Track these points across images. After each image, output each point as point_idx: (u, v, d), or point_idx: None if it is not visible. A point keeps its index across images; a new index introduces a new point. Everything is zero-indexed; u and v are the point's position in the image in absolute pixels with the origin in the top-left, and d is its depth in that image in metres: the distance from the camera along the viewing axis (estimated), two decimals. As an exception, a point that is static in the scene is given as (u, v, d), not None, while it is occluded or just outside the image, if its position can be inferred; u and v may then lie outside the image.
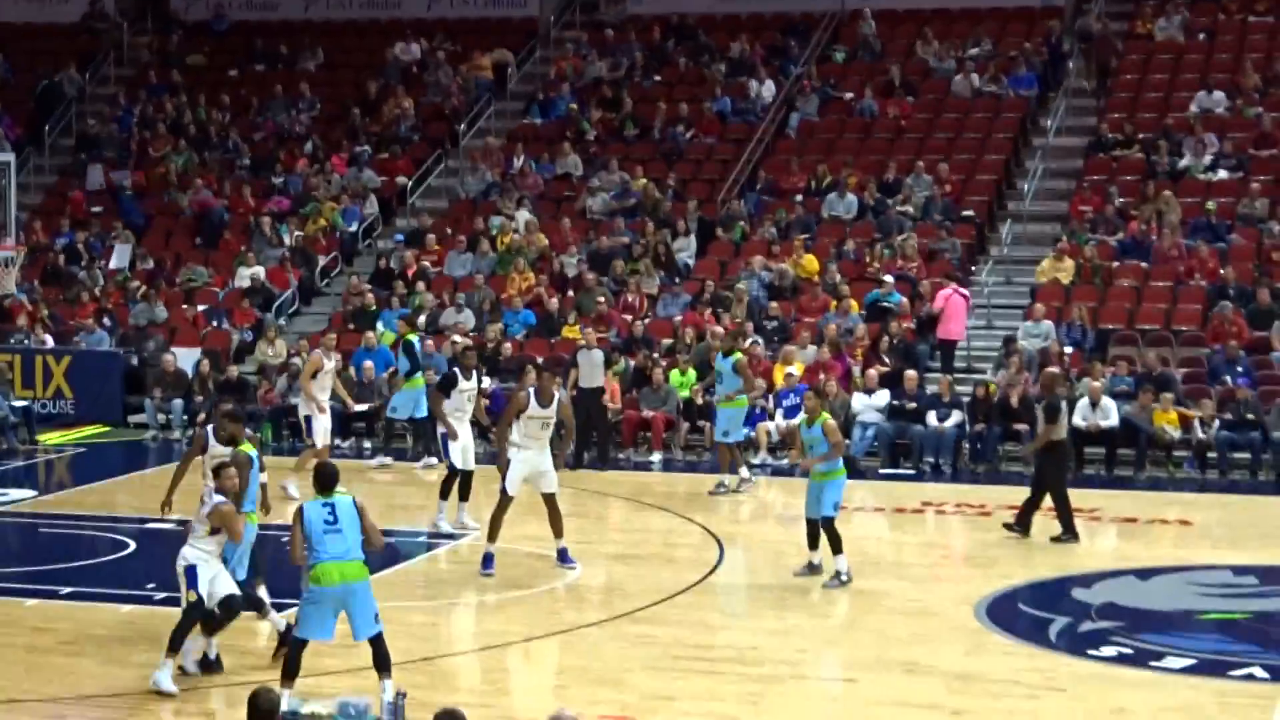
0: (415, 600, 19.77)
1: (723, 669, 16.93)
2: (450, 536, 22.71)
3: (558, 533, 20.92)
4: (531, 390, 20.71)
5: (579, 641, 18.14)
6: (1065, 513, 22.57)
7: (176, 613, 16.68)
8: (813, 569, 20.38)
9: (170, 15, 43.70)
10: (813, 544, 20.39)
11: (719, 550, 22.14)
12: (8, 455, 28.75)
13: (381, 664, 15.11)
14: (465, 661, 17.52)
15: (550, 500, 20.81)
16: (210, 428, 17.94)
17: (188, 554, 16.16)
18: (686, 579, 20.77)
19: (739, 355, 26.42)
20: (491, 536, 20.67)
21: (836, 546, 20.12)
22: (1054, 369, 25.94)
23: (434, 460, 26.90)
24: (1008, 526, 22.77)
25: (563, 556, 20.93)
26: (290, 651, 15.27)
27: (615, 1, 41.78)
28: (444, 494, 23.25)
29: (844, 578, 20.06)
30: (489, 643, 18.09)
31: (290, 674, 15.06)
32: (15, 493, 25.74)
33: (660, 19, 40.79)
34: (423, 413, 27.60)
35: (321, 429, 24.91)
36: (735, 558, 21.89)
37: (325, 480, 15.39)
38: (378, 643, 15.17)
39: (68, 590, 19.40)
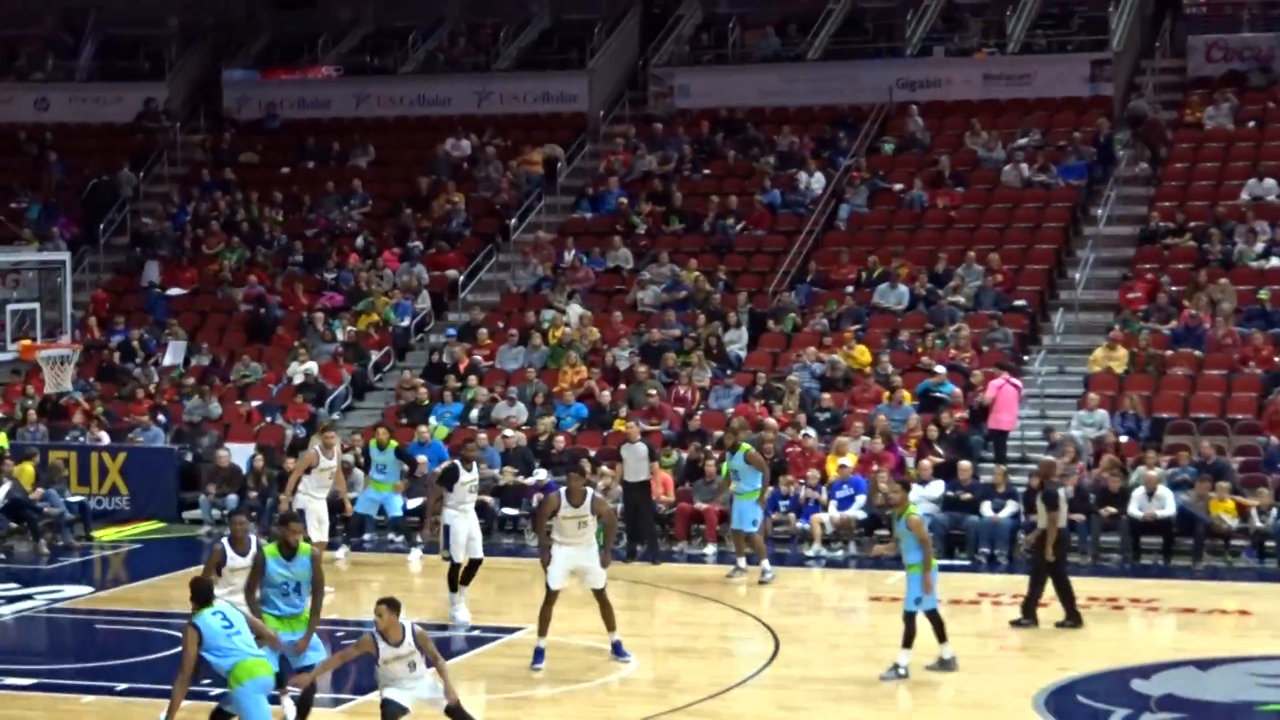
0: (469, 694, 19.71)
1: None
2: (460, 625, 23.01)
3: (610, 626, 20.89)
4: (562, 491, 20.87)
5: (634, 735, 18.09)
6: (1069, 599, 22.64)
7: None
8: (943, 664, 20.27)
9: (223, 114, 44.08)
10: (937, 635, 20.29)
11: (774, 643, 22.05)
12: (64, 552, 28.84)
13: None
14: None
15: (600, 595, 20.81)
16: (226, 540, 17.97)
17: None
18: (742, 672, 20.72)
19: (746, 447, 26.65)
20: (541, 631, 20.68)
21: (906, 640, 20.03)
22: (1050, 458, 25.88)
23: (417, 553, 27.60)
24: (1015, 623, 22.73)
25: (617, 650, 20.89)
26: None
27: (663, 96, 42.00)
28: (452, 586, 23.45)
29: (902, 671, 19.97)
30: (544, 737, 18.03)
31: None
32: (71, 589, 25.81)
33: (708, 113, 40.98)
34: (394, 511, 28.99)
35: (314, 522, 24.88)
36: (791, 650, 21.77)
37: (203, 596, 15.91)
38: None
39: (124, 687, 19.42)
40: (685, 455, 30.06)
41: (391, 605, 16.20)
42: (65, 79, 45.49)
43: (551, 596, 20.64)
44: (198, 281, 38.54)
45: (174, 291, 38.19)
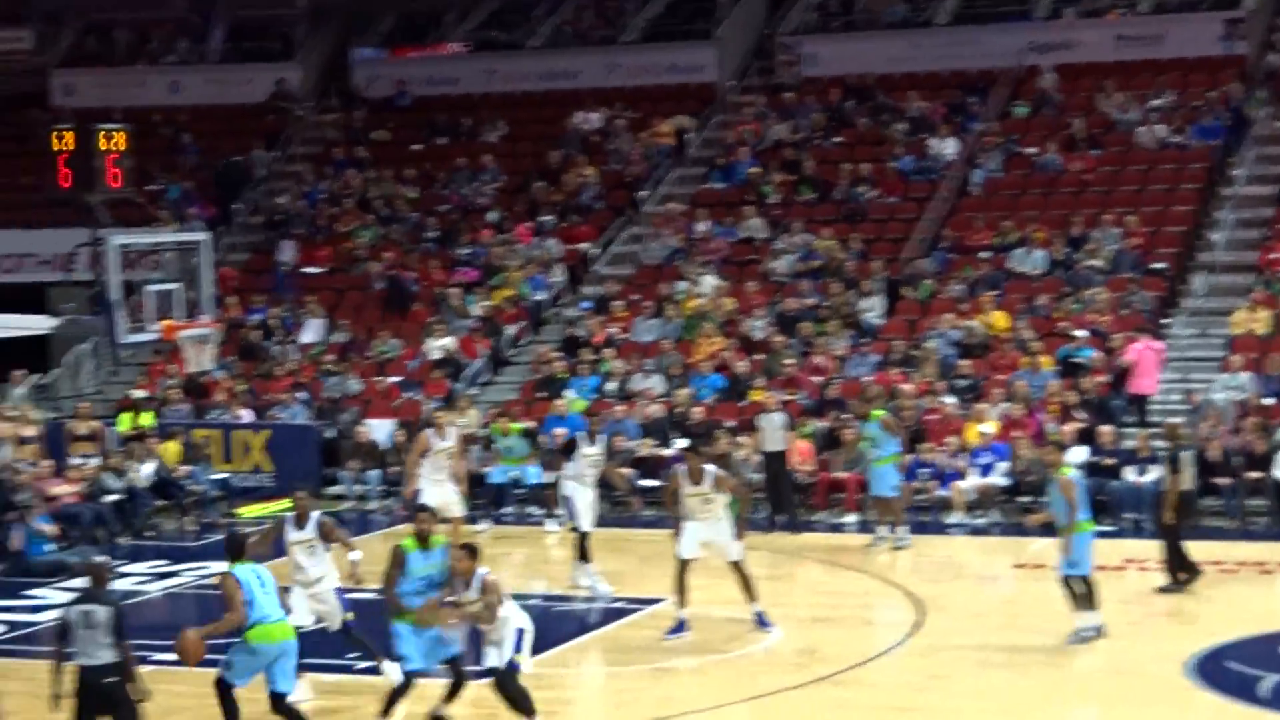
0: (610, 666, 19.82)
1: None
2: (597, 595, 23.12)
3: (750, 597, 20.90)
4: (682, 470, 20.87)
5: (777, 705, 18.06)
6: (1177, 564, 22.63)
7: (376, 682, 16.91)
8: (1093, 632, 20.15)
9: (354, 92, 44.32)
10: (1077, 604, 20.15)
11: (917, 611, 21.98)
12: (209, 529, 29.16)
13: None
14: (666, 727, 17.47)
15: (736, 568, 20.82)
16: (291, 515, 18.59)
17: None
18: (885, 641, 20.65)
19: (879, 413, 26.64)
20: (681, 601, 20.73)
21: (1081, 603, 19.95)
22: (1176, 420, 25.57)
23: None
24: (1164, 590, 22.55)
25: (760, 620, 20.90)
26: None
27: (791, 64, 41.81)
28: (582, 556, 23.55)
29: (1086, 634, 19.86)
30: (687, 708, 18.01)
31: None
32: (217, 565, 26.00)
33: (837, 80, 40.74)
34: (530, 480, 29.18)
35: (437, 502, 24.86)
36: (934, 619, 21.67)
37: (237, 549, 16.59)
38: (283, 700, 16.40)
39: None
40: (823, 424, 29.99)
41: (470, 552, 16.71)
42: (197, 62, 45.90)
43: (683, 566, 20.69)
44: (333, 259, 38.83)
45: (310, 269, 38.49)
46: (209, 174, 42.03)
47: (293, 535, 18.40)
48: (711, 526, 20.78)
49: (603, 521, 28.02)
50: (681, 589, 20.72)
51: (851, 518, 28.44)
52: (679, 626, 20.71)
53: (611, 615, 22.28)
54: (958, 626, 21.37)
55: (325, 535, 18.45)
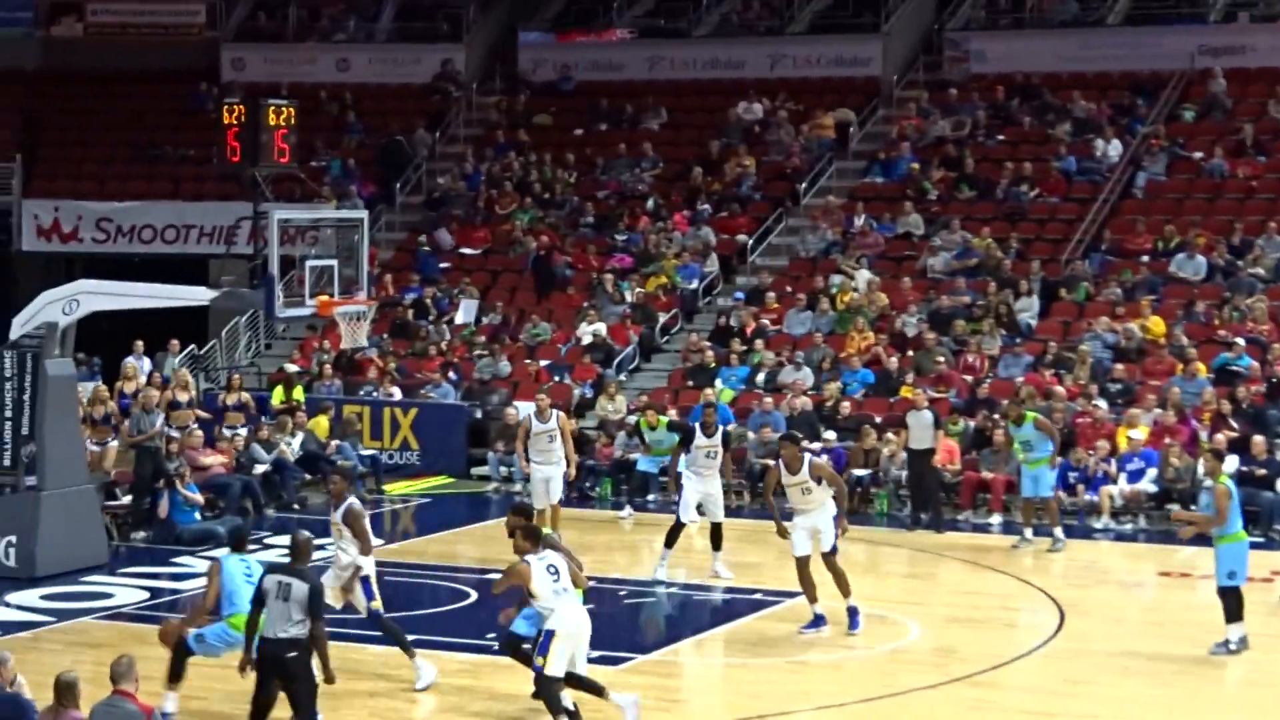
0: (747, 658, 19.76)
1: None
2: (659, 584, 23.24)
3: (844, 593, 20.76)
4: (781, 462, 20.84)
5: (913, 704, 17.94)
6: None
7: (510, 662, 16.98)
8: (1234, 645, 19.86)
9: (518, 76, 44.49)
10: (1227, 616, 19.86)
11: (1059, 615, 21.74)
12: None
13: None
14: (797, 721, 17.40)
15: (828, 560, 20.68)
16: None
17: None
18: (1025, 643, 20.44)
19: (1033, 415, 26.43)
20: (810, 598, 20.67)
21: (1231, 615, 19.66)
22: None
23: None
24: None
25: (852, 617, 20.75)
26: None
27: (958, 60, 41.49)
28: (668, 543, 23.49)
29: (1233, 646, 19.57)
30: (821, 702, 17.92)
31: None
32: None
33: (1004, 78, 40.37)
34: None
35: (539, 490, 24.92)
36: (1075, 623, 21.41)
37: (236, 541, 17.06)
38: None
39: (411, 638, 19.70)
40: (972, 424, 29.73)
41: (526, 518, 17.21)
42: (365, 41, 46.24)
43: (802, 564, 20.60)
44: (489, 241, 39.02)
45: (466, 250, 38.69)
46: (371, 152, 42.35)
47: (331, 516, 18.59)
48: (814, 516, 20.67)
49: (743, 513, 28.12)
50: (807, 585, 20.62)
51: (996, 519, 28.18)
52: (816, 621, 20.61)
53: (750, 607, 22.19)
54: (1099, 632, 21.09)
55: (349, 523, 18.33)
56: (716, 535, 23.87)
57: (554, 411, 25.38)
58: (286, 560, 15.58)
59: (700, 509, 23.93)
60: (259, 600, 15.20)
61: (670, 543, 23.57)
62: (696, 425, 24.32)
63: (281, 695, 15.35)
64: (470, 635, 20.16)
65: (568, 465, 25.15)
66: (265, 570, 15.56)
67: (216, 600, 16.68)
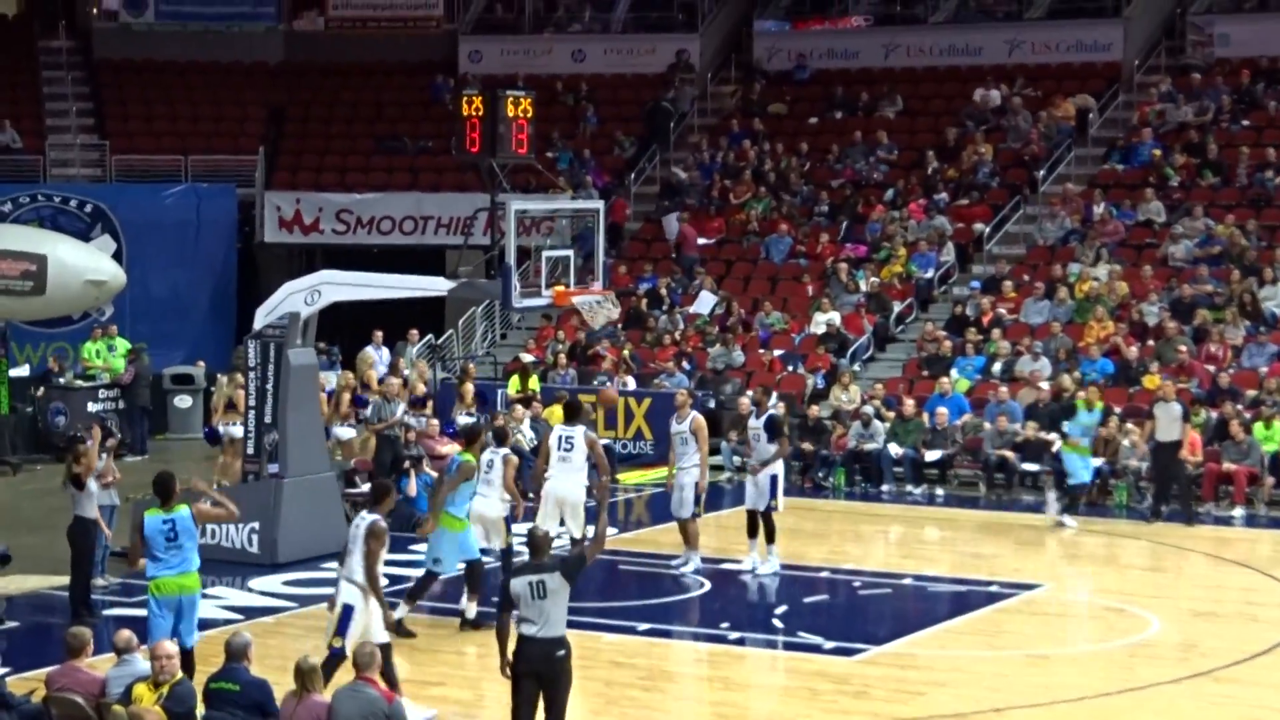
0: (984, 650, 19.56)
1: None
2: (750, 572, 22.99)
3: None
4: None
5: (1155, 699, 17.63)
6: None
7: (751, 653, 16.93)
8: None
9: (753, 65, 44.41)
10: None
11: (1305, 611, 21.31)
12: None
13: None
14: (1038, 715, 17.08)
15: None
16: None
17: None
18: (1270, 639, 20.00)
19: None
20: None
21: None
22: None
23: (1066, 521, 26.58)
24: None
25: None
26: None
27: (1202, 44, 40.69)
28: (751, 532, 23.24)
29: None
30: (1063, 696, 17.67)
31: None
32: (590, 529, 26.27)
33: (1249, 62, 39.54)
34: None
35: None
36: (1322, 619, 20.97)
37: (162, 493, 16.68)
38: (189, 655, 16.16)
39: (645, 627, 19.79)
40: (1215, 414, 29.15)
41: None
42: (600, 31, 46.44)
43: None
44: (724, 231, 39.01)
45: (701, 240, 38.70)
46: (606, 144, 42.51)
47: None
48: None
49: (980, 504, 27.89)
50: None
51: (1239, 511, 27.60)
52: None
53: (985, 599, 21.97)
54: (1347, 628, 20.62)
55: (366, 538, 16.82)
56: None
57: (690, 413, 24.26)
58: (526, 559, 14.96)
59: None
60: (508, 604, 14.55)
61: (753, 533, 23.25)
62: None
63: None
64: (707, 625, 20.16)
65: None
66: (510, 575, 14.94)
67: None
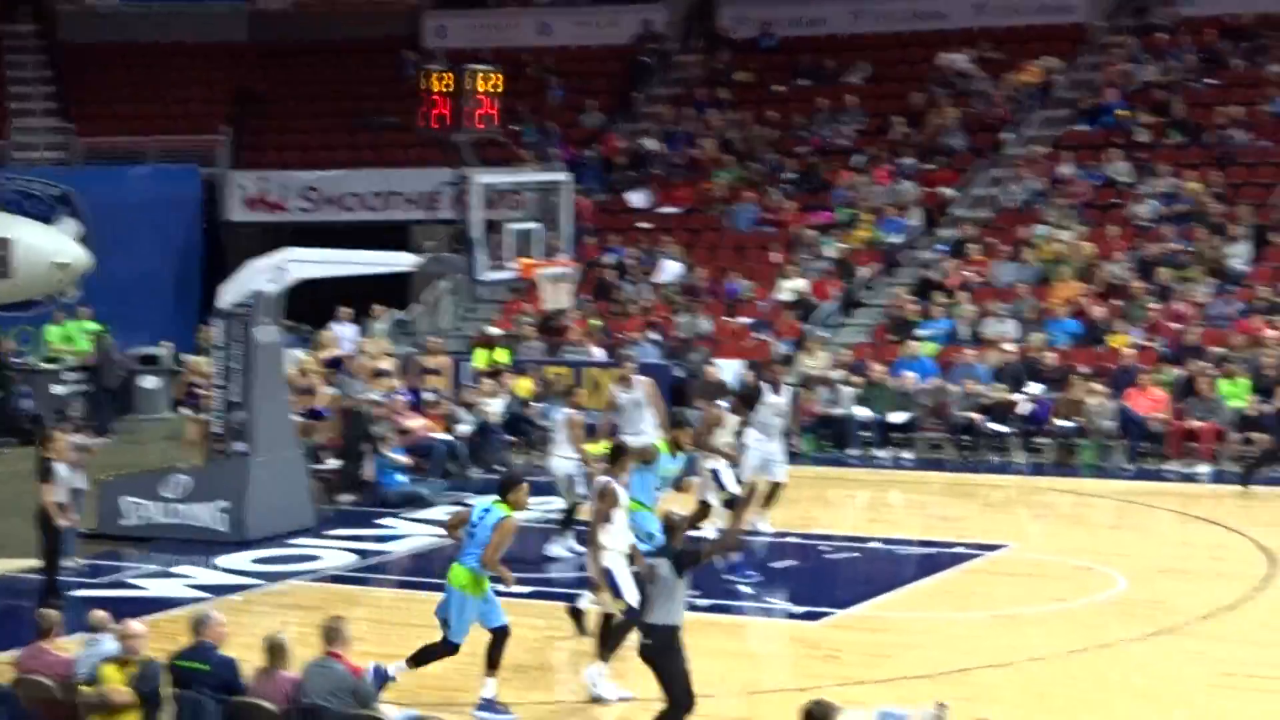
0: (952, 611, 19.61)
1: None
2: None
3: None
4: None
5: (1123, 656, 17.67)
6: None
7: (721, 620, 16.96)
8: None
9: (718, 34, 44.32)
10: None
11: (1268, 564, 21.32)
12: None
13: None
14: (1006, 675, 17.13)
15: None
16: None
17: None
18: (1237, 594, 20.07)
19: None
20: None
21: None
22: None
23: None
24: None
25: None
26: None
27: (1167, 4, 40.66)
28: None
29: None
30: (1030, 654, 17.72)
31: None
32: (560, 502, 26.19)
33: (1214, 20, 39.51)
34: None
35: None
36: (1286, 572, 21.06)
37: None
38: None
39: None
40: (1182, 372, 29.22)
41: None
42: (566, 3, 46.28)
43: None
44: (691, 200, 38.97)
45: (667, 209, 38.67)
46: (570, 116, 42.40)
47: None
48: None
49: (946, 467, 27.94)
50: None
51: (1205, 467, 27.69)
52: None
53: (951, 560, 22.03)
54: (1312, 581, 20.73)
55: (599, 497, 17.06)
56: (773, 494, 23.52)
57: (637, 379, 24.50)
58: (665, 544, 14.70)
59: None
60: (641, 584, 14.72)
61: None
62: (764, 383, 23.92)
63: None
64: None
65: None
66: (651, 554, 15.01)
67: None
